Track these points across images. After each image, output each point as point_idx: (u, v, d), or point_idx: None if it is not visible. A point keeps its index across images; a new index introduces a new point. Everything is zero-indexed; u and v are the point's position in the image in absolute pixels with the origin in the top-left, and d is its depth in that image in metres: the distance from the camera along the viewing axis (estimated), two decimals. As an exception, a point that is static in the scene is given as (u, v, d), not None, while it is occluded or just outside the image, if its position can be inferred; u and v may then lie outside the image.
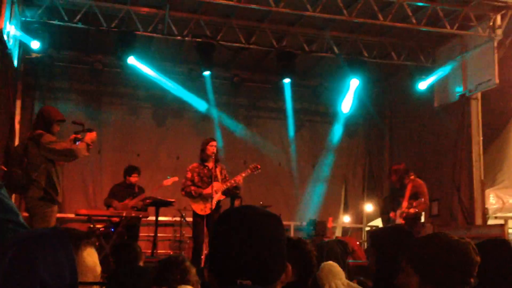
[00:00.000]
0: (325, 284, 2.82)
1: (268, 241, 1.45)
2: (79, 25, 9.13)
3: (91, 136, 5.82)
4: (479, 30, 9.53)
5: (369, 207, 13.20)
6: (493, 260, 2.71)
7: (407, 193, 8.27)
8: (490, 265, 2.63)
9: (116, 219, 7.97)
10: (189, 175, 7.87)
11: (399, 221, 8.27)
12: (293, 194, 12.66)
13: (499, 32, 9.42)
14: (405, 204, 8.24)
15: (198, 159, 8.04)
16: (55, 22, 9.07)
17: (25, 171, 5.61)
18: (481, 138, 9.93)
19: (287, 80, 10.80)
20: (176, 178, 8.67)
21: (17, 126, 9.36)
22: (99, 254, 7.54)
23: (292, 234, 11.73)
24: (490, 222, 9.57)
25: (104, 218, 8.28)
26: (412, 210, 8.17)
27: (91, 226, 8.05)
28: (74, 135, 5.87)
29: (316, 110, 12.98)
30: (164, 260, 3.29)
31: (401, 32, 10.16)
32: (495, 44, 9.43)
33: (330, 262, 2.77)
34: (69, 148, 5.67)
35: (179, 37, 9.71)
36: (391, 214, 8.57)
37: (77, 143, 5.81)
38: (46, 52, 9.62)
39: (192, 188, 7.72)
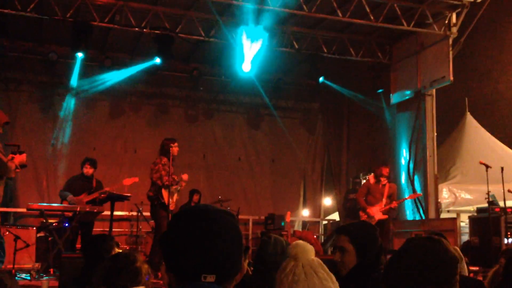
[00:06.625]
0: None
1: (230, 237, 1.47)
2: (33, 15, 8.84)
3: (20, 159, 5.60)
4: (435, 28, 9.74)
5: (327, 201, 13.38)
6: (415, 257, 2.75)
7: (386, 192, 8.91)
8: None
9: (69, 214, 7.68)
10: (164, 172, 7.69)
11: (379, 216, 8.79)
12: (252, 189, 12.68)
13: (454, 30, 9.65)
14: (385, 201, 8.91)
15: (159, 154, 7.84)
16: (8, 10, 8.75)
17: None
18: (435, 134, 10.18)
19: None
20: (136, 179, 8.44)
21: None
22: (52, 249, 7.27)
23: (250, 228, 11.76)
24: (443, 215, 9.83)
25: (58, 212, 7.97)
26: (394, 204, 8.94)
27: (44, 220, 7.79)
28: (11, 155, 5.64)
29: (275, 104, 12.98)
30: (113, 259, 3.05)
31: (360, 28, 10.28)
32: (450, 41, 9.67)
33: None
34: (5, 163, 5.45)
35: (137, 29, 9.53)
36: (369, 210, 8.89)
37: None
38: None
39: (174, 177, 7.67)
